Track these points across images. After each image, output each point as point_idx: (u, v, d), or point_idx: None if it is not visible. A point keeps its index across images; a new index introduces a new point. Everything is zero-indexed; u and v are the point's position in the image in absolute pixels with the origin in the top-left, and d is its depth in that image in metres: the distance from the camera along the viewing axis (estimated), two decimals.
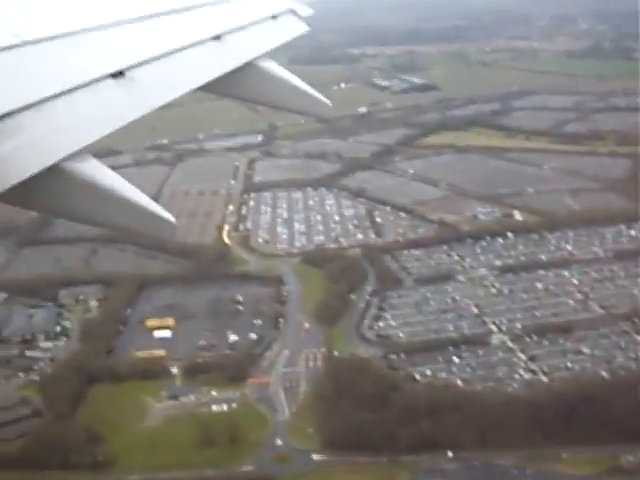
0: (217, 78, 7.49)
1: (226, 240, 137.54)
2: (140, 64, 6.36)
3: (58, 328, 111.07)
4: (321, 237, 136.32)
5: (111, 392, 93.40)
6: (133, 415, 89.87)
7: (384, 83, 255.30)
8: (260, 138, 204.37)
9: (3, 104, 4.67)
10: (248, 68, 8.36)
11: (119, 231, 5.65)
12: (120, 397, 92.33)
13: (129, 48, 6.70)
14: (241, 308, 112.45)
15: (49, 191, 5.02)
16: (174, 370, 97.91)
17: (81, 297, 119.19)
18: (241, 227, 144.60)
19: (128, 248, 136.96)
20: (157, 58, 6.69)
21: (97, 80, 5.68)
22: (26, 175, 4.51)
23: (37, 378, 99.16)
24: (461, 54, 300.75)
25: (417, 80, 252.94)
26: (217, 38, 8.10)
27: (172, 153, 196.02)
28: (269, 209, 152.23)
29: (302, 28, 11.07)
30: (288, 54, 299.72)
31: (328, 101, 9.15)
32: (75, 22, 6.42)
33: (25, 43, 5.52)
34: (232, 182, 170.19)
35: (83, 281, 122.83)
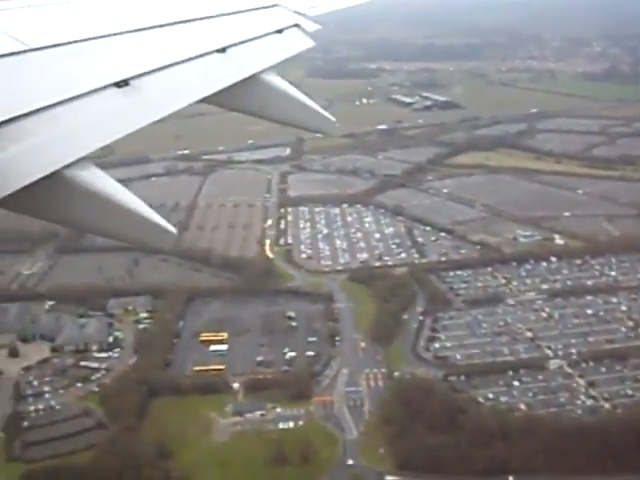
0: (221, 90, 7.52)
1: (269, 254, 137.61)
2: (145, 74, 6.42)
3: (110, 339, 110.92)
4: (364, 255, 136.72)
5: (174, 406, 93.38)
6: (199, 430, 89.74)
7: (406, 100, 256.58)
8: (288, 151, 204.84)
9: (7, 109, 4.74)
10: (252, 81, 8.35)
11: (119, 240, 5.64)
12: (183, 411, 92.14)
13: (134, 58, 6.78)
14: (294, 324, 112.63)
15: (50, 198, 5.00)
16: (235, 385, 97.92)
17: (130, 307, 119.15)
18: (282, 241, 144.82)
19: (170, 259, 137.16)
20: (162, 68, 6.77)
21: (102, 89, 5.75)
22: (27, 181, 4.53)
23: (96, 389, 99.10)
24: (478, 72, 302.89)
25: (439, 98, 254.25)
26: (222, 50, 8.14)
27: (202, 163, 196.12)
28: (308, 224, 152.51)
29: (308, 43, 10.92)
30: (305, 67, 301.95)
31: (332, 117, 9.09)
32: (80, 31, 6.52)
33: (30, 50, 5.59)
34: (267, 195, 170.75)
35: (130, 291, 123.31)
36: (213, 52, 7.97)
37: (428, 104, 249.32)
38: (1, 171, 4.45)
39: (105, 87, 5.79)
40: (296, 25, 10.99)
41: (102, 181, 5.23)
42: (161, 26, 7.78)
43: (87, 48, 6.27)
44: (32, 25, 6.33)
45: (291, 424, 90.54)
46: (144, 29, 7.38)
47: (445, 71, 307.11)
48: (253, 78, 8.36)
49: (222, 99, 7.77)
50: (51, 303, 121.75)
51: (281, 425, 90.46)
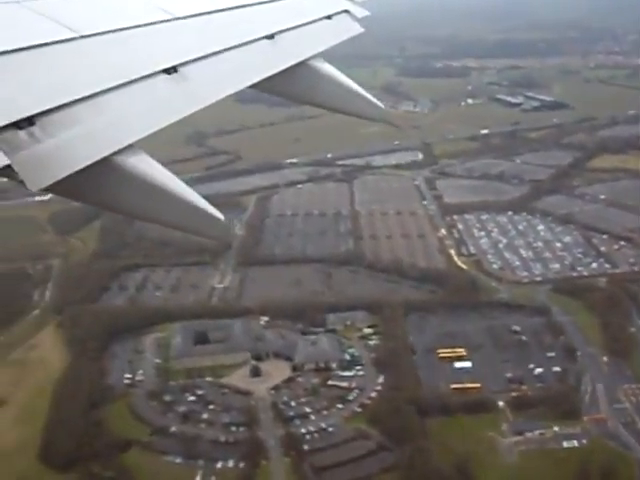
0: (270, 77, 7.54)
1: (462, 265, 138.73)
2: (193, 61, 6.51)
3: (347, 356, 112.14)
4: (556, 265, 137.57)
5: (448, 426, 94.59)
6: (485, 450, 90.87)
7: (512, 100, 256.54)
8: (420, 155, 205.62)
9: (57, 96, 4.83)
10: (301, 68, 8.35)
11: (168, 227, 5.73)
12: (461, 431, 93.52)
13: (183, 45, 6.88)
14: (524, 338, 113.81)
15: (99, 184, 5.07)
16: (500, 404, 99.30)
17: (348, 322, 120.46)
18: (464, 251, 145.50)
19: (359, 270, 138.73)
20: (210, 55, 6.83)
21: (151, 75, 5.85)
22: (77, 167, 4.63)
23: (359, 410, 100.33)
24: (568, 69, 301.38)
25: (545, 97, 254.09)
26: (270, 37, 8.17)
27: (339, 169, 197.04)
28: (482, 233, 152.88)
29: (357, 29, 10.84)
30: (392, 65, 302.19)
31: (380, 103, 9.11)
32: (129, 18, 6.63)
33: (80, 37, 5.68)
34: (424, 203, 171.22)
35: (341, 306, 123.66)
36: (262, 38, 8.06)
37: (536, 105, 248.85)
38: (52, 157, 4.58)
39: (154, 74, 5.93)
40: (345, 11, 10.96)
41: (152, 168, 5.30)
42: (209, 13, 7.92)
43: (136, 35, 6.40)
44: (82, 12, 6.42)
45: (575, 443, 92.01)
46: (192, 16, 7.51)
47: (533, 68, 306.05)
48: (302, 65, 8.40)
49: (271, 86, 7.91)
50: (265, 319, 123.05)
51: (565, 444, 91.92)
